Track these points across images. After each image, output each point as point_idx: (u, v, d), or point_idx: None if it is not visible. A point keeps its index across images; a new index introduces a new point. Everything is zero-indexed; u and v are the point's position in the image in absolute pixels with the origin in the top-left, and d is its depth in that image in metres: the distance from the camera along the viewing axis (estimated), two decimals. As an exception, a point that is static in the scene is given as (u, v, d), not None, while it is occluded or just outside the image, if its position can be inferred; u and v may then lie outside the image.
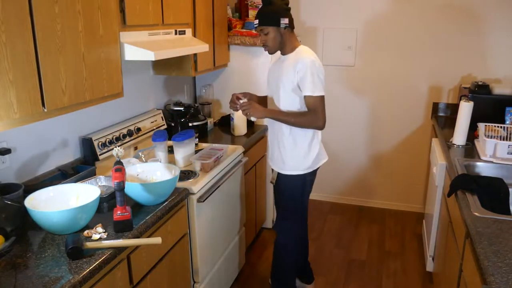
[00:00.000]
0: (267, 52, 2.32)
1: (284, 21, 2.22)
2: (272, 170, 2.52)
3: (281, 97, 2.29)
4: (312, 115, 2.23)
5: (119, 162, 1.75)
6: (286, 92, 2.27)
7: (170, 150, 2.50)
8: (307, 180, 2.42)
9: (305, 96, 2.22)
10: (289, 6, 2.30)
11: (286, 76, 2.25)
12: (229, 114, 3.20)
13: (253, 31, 3.20)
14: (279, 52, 2.35)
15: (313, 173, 2.45)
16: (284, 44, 2.28)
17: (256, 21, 2.25)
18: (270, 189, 3.47)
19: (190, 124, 2.86)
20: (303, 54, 2.24)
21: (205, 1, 2.76)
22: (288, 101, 2.29)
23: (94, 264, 1.45)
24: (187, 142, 2.40)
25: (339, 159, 4.09)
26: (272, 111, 2.32)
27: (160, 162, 2.23)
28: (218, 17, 3.05)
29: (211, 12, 2.92)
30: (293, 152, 2.35)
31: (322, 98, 2.23)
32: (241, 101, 2.31)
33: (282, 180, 2.43)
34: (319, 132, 2.39)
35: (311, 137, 2.35)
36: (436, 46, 3.57)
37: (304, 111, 2.28)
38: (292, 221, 2.48)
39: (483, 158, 2.45)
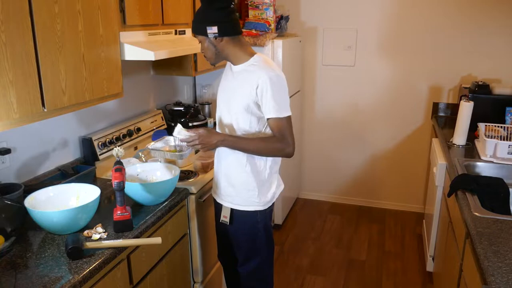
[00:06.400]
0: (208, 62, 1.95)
1: (212, 30, 1.78)
2: (221, 205, 2.02)
3: (236, 118, 1.88)
4: (279, 141, 1.83)
5: (119, 162, 1.76)
6: (242, 113, 1.86)
7: (170, 150, 2.50)
8: (267, 212, 2.01)
9: (268, 119, 1.83)
10: (229, 7, 1.82)
11: (242, 92, 1.84)
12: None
13: (253, 31, 3.19)
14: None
15: (273, 204, 2.07)
16: (224, 54, 1.87)
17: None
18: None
19: (190, 124, 2.86)
20: (263, 66, 1.82)
21: (205, 1, 2.76)
22: (245, 123, 1.87)
23: (94, 264, 1.45)
24: (187, 142, 2.39)
25: (339, 159, 4.09)
26: (228, 137, 1.85)
27: (160, 162, 2.23)
28: (218, 17, 3.04)
29: (211, 12, 2.92)
30: (249, 185, 1.92)
31: (289, 119, 1.85)
32: (187, 135, 1.83)
33: (239, 217, 1.98)
34: (279, 158, 2.01)
35: (271, 164, 1.97)
36: (436, 46, 3.57)
37: (267, 135, 1.88)
38: (260, 260, 2.05)
39: (483, 158, 2.45)
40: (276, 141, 1.84)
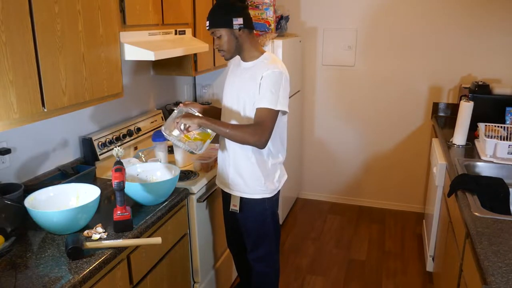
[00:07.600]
0: (223, 57, 2.02)
1: (238, 21, 1.90)
2: (229, 195, 2.12)
3: (244, 111, 1.97)
4: (255, 127, 1.87)
5: (119, 162, 1.76)
6: (249, 105, 1.95)
7: (170, 150, 2.50)
8: (274, 200, 2.12)
9: (258, 108, 1.89)
10: (246, 3, 1.99)
11: (248, 88, 1.94)
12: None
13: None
14: (238, 57, 2.06)
15: (279, 192, 2.17)
16: (242, 48, 1.97)
17: (207, 23, 1.96)
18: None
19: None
20: (271, 63, 1.93)
21: (205, 1, 2.76)
22: (249, 116, 1.96)
23: (94, 264, 1.45)
24: (187, 142, 2.39)
25: (339, 159, 4.09)
26: (207, 117, 1.96)
27: (160, 162, 2.23)
28: (218, 17, 3.04)
29: (211, 12, 2.92)
30: (256, 174, 2.02)
31: (276, 114, 1.90)
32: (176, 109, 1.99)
33: (248, 205, 2.07)
34: (284, 151, 2.11)
35: (275, 156, 2.06)
36: (436, 46, 3.57)
37: (247, 124, 1.96)
38: (268, 246, 2.16)
39: (483, 158, 2.45)
40: (251, 127, 1.89)
